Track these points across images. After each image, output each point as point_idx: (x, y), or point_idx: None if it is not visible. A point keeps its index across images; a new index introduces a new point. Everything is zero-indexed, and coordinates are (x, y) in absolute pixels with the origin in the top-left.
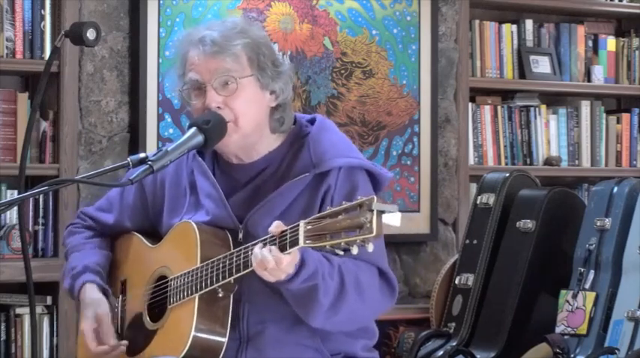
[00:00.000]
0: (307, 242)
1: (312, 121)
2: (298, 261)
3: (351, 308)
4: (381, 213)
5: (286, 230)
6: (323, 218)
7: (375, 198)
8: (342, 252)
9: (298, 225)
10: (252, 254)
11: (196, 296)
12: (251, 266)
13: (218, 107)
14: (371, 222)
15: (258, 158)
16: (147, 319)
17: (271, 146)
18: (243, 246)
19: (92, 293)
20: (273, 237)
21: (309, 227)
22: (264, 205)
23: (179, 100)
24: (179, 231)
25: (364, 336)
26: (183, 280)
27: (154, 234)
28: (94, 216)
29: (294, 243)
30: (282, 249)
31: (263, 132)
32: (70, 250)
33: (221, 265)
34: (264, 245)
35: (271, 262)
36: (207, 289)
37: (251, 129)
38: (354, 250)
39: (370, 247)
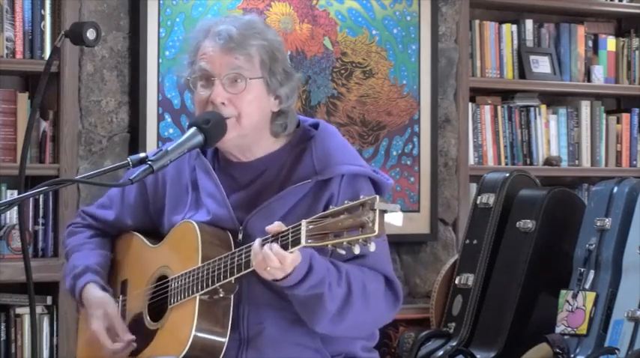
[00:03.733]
0: (309, 241)
1: (315, 126)
2: (307, 267)
3: (356, 316)
4: (383, 212)
5: (288, 229)
6: (325, 217)
7: (378, 197)
8: (343, 251)
9: (300, 225)
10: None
11: (197, 296)
12: (252, 265)
13: (222, 103)
14: (373, 221)
15: (256, 158)
16: (147, 319)
17: (270, 148)
18: (245, 246)
19: (96, 292)
20: (274, 236)
21: (311, 226)
22: (264, 208)
23: (184, 87)
24: (180, 231)
25: (364, 337)
26: (184, 280)
27: (155, 233)
28: (94, 214)
29: (296, 242)
30: (284, 248)
31: (261, 135)
32: (70, 250)
33: (222, 265)
34: (264, 243)
35: (274, 261)
36: (207, 289)
37: (250, 130)
38: (356, 249)
39: (372, 246)
